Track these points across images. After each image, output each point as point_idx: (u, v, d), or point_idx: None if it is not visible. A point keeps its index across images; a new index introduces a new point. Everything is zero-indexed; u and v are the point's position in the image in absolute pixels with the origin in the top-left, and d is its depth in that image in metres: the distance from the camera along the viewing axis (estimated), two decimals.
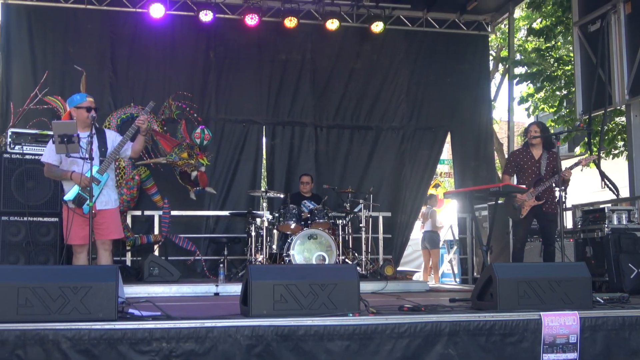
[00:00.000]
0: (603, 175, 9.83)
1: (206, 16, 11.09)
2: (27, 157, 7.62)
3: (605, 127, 12.28)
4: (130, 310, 5.09)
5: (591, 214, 9.01)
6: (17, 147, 7.64)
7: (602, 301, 5.75)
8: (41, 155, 6.77)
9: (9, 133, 7.79)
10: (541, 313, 5.07)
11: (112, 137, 6.51)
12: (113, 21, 11.35)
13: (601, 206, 9.21)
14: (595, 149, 12.23)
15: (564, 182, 7.65)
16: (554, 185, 7.78)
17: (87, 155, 5.99)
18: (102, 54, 11.22)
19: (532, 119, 18.92)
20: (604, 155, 12.89)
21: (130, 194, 9.75)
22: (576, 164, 7.88)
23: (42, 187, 7.64)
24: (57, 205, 7.67)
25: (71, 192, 6.26)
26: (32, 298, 4.51)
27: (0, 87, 10.76)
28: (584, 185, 15.57)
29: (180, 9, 11.47)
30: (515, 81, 13.51)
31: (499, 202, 8.01)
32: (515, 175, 8.11)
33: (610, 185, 9.80)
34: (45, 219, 7.64)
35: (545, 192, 7.81)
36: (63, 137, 6.13)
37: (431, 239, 13.04)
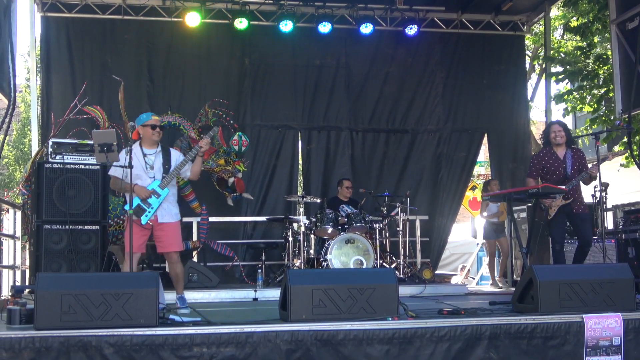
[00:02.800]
0: None
1: (241, 24, 11.16)
2: (68, 166, 7.71)
3: None
4: (171, 316, 5.15)
5: (633, 214, 8.87)
6: (58, 157, 7.74)
7: None
8: (81, 164, 7.41)
9: (50, 143, 7.90)
10: (583, 315, 5.01)
11: (176, 156, 6.85)
12: (149, 31, 11.51)
13: None
14: (635, 148, 12.02)
15: (591, 179, 7.55)
16: (581, 183, 7.65)
17: (147, 168, 6.55)
18: (139, 64, 11.38)
19: (569, 118, 18.69)
20: None
21: None
22: (602, 161, 7.70)
23: (83, 195, 7.74)
24: (97, 214, 7.77)
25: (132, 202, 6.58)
26: (74, 305, 4.59)
27: (41, 98, 10.98)
28: (624, 185, 15.32)
29: (216, 17, 11.56)
30: (554, 80, 13.34)
31: (528, 205, 7.90)
32: (539, 178, 7.93)
33: None
34: (87, 227, 7.72)
35: (573, 191, 7.61)
36: (103, 146, 6.29)
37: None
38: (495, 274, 11.20)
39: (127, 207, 6.58)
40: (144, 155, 6.65)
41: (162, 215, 6.68)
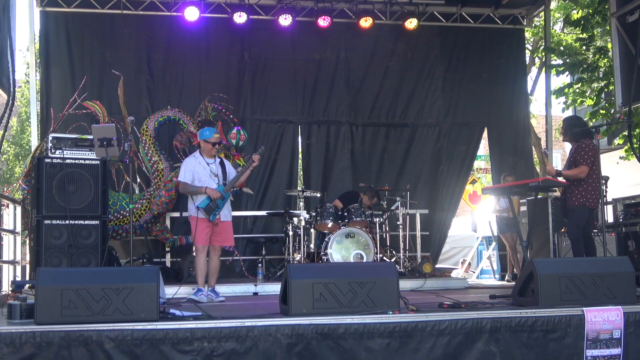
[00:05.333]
0: None
1: (240, 18, 11.13)
2: (67, 161, 7.72)
3: None
4: (172, 311, 5.15)
5: (633, 208, 8.85)
6: (57, 152, 7.75)
7: None
8: (81, 159, 7.71)
9: (50, 138, 7.90)
10: (584, 308, 5.02)
11: (229, 165, 7.93)
12: (149, 25, 11.47)
13: None
14: (635, 141, 12.01)
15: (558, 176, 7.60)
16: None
17: (212, 175, 7.55)
18: (139, 58, 11.35)
19: (568, 112, 18.69)
20: None
21: (169, 196, 9.84)
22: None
23: (83, 190, 7.74)
24: (97, 209, 7.78)
25: (203, 202, 7.44)
26: (75, 300, 4.59)
27: (40, 94, 10.96)
28: (624, 179, 15.32)
29: (215, 12, 11.53)
30: (554, 73, 13.32)
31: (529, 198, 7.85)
32: None
33: None
34: (87, 222, 7.73)
35: (566, 186, 7.67)
36: (102, 141, 6.32)
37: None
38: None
39: (198, 205, 7.43)
40: (208, 164, 7.63)
41: (225, 215, 7.63)
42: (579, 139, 7.68)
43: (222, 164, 7.79)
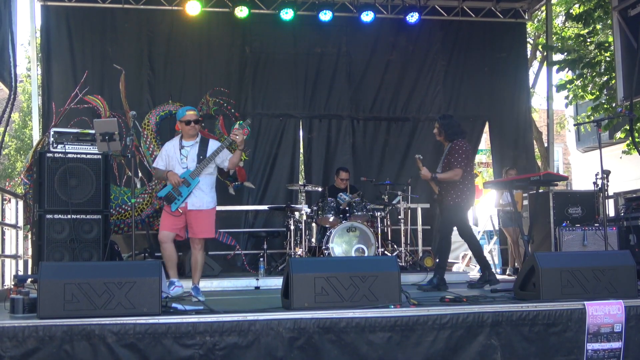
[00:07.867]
0: None
1: (241, 12, 11.14)
2: (69, 155, 7.71)
3: None
4: (174, 305, 5.17)
5: (634, 202, 8.87)
6: (59, 146, 7.74)
7: None
8: (83, 153, 7.69)
9: (52, 132, 7.90)
10: (585, 302, 5.03)
11: (214, 147, 6.95)
12: (150, 19, 11.47)
13: None
14: (637, 135, 12.00)
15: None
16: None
17: (181, 159, 6.83)
18: (140, 53, 11.35)
19: (571, 107, 18.68)
20: None
21: None
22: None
23: (85, 185, 7.74)
24: (99, 203, 7.78)
25: (164, 190, 6.88)
26: (77, 294, 4.61)
27: (42, 88, 10.96)
28: (626, 173, 15.32)
29: (216, 6, 11.52)
30: (555, 69, 13.31)
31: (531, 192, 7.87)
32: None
33: None
34: (89, 217, 7.73)
35: (441, 186, 7.89)
36: (104, 135, 6.34)
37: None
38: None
39: (158, 194, 6.98)
40: (182, 147, 6.91)
41: (192, 203, 6.81)
42: (452, 139, 7.81)
43: (203, 144, 6.97)
